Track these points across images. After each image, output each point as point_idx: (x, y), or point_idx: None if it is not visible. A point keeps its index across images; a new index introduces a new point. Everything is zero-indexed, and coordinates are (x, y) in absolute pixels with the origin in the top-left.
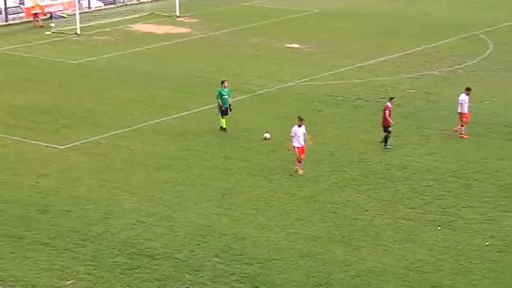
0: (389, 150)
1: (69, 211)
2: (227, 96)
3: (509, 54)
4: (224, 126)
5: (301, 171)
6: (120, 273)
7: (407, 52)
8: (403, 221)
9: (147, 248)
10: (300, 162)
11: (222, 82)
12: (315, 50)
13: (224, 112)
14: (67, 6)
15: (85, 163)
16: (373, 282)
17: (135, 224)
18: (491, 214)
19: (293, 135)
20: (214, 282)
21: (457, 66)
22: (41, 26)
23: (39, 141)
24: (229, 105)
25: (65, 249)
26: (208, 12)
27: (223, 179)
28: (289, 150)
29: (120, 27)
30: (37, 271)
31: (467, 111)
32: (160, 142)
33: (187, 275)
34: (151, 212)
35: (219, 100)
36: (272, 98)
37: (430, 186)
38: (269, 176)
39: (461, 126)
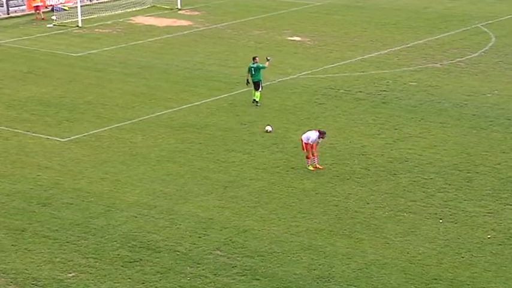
0: None
1: (71, 204)
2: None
3: (511, 47)
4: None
5: (311, 167)
6: (122, 266)
7: (408, 45)
8: (405, 214)
9: (148, 241)
10: (308, 158)
11: (255, 58)
12: (316, 42)
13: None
14: None
15: (87, 156)
16: (375, 275)
17: (136, 217)
18: (493, 207)
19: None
20: (215, 275)
21: (459, 59)
22: (43, 19)
23: (41, 134)
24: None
25: (67, 242)
26: (209, 5)
27: (224, 172)
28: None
29: (121, 20)
30: (39, 264)
31: None
32: (161, 135)
33: (188, 268)
34: (152, 205)
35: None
36: (273, 90)
37: (431, 179)
38: (271, 168)
39: None
